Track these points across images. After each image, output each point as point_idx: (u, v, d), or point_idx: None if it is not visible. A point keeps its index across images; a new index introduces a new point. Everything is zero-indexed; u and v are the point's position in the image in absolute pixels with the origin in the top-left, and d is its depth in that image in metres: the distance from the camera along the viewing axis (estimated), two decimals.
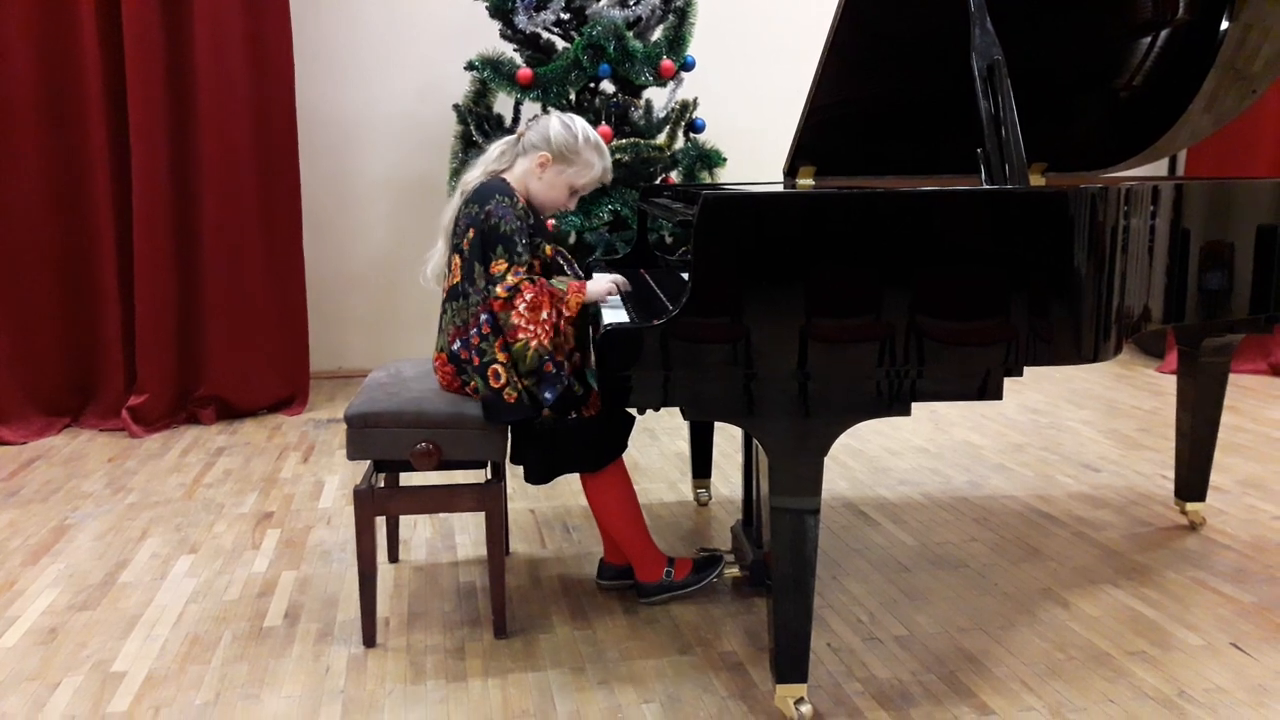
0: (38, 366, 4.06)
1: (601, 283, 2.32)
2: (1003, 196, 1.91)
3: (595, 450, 2.32)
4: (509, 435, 2.33)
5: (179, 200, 4.11)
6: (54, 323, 4.08)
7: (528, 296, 2.17)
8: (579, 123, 2.34)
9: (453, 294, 2.29)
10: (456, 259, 2.28)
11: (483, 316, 2.22)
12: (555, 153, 2.31)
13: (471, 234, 2.22)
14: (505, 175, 2.34)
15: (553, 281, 2.30)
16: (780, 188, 2.64)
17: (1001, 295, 1.88)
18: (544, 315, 2.18)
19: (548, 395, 2.21)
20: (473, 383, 2.26)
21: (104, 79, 3.95)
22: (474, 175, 2.35)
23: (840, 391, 1.87)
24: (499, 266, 2.18)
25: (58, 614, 2.46)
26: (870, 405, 1.89)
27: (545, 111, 3.60)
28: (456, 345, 2.28)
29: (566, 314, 2.23)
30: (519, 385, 2.22)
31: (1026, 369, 1.92)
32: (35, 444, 3.89)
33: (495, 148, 2.39)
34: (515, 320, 2.17)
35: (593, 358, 2.16)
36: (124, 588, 2.61)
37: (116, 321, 4.10)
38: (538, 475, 2.35)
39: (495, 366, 2.21)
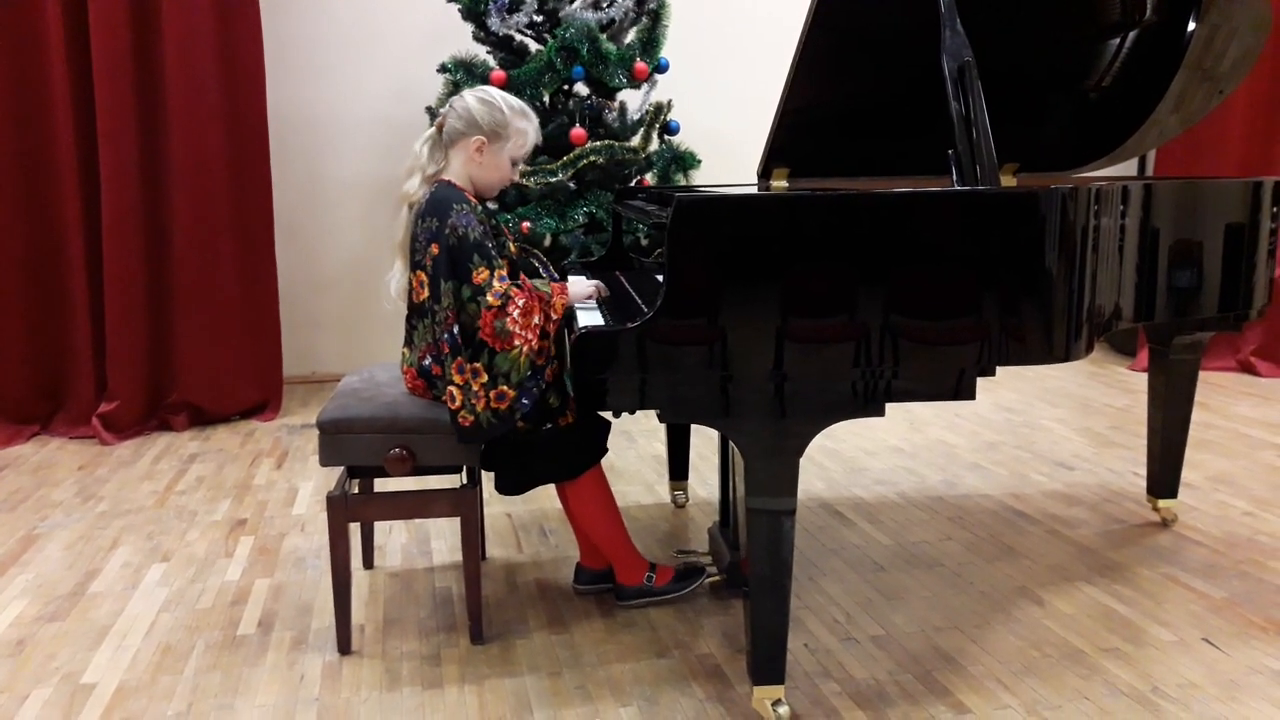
0: (5, 373, 4.00)
1: (581, 285, 2.30)
2: (974, 197, 1.92)
3: (571, 459, 2.30)
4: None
5: (149, 204, 4.06)
6: (22, 328, 4.02)
7: (520, 303, 2.12)
8: (496, 93, 2.26)
9: (420, 311, 2.25)
10: (420, 275, 2.22)
11: (444, 335, 2.16)
12: (488, 133, 2.23)
13: (435, 249, 2.14)
14: (446, 175, 2.26)
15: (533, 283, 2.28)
16: (755, 189, 2.64)
17: (974, 295, 1.89)
18: (535, 320, 2.14)
19: (525, 401, 2.15)
20: (446, 393, 2.21)
21: (71, 81, 3.90)
22: (415, 185, 2.25)
23: (815, 393, 1.87)
24: (481, 275, 2.10)
25: (25, 625, 2.43)
26: (845, 406, 1.90)
27: None
28: (428, 361, 2.25)
29: (554, 317, 2.20)
30: (475, 408, 2.14)
31: (1000, 369, 1.93)
32: (3, 452, 3.83)
33: (421, 149, 2.27)
34: (510, 327, 2.10)
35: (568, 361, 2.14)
36: (94, 598, 2.57)
37: (86, 327, 4.05)
38: (510, 487, 2.34)
39: (451, 389, 2.16)
